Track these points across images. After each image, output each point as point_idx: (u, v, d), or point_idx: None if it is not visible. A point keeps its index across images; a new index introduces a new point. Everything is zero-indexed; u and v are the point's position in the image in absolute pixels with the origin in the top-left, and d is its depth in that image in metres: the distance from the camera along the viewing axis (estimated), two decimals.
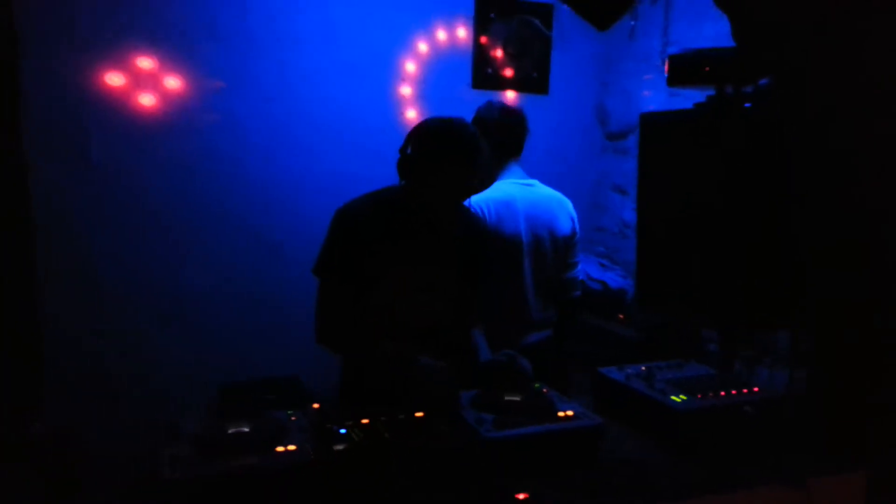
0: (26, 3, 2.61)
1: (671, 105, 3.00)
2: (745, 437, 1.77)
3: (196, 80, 2.95)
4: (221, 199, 3.05)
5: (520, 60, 3.52)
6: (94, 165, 2.82)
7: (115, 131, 2.85)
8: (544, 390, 1.86)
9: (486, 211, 2.37)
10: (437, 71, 3.36)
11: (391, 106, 3.27)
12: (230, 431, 1.50)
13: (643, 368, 2.03)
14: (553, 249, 2.49)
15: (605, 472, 1.64)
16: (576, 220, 2.56)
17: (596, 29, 1.86)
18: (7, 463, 1.37)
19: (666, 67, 1.65)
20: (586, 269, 3.32)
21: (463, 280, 2.13)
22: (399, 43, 3.27)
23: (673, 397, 1.81)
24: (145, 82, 2.88)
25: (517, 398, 1.76)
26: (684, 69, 1.68)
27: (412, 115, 3.28)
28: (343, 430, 1.53)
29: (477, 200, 2.36)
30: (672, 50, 3.14)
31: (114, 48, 2.82)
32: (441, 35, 3.37)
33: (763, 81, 1.58)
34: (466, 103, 2.65)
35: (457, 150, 1.89)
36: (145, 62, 2.87)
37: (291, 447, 1.46)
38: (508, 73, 3.51)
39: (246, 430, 1.51)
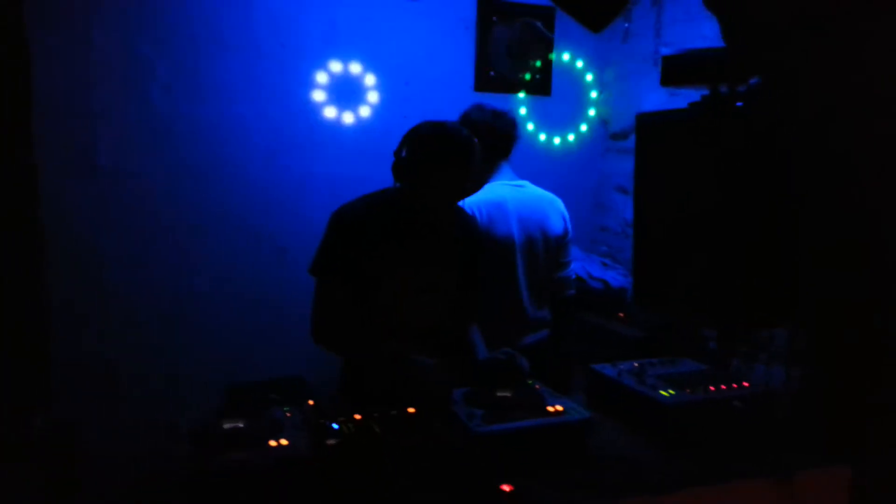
0: (36, 9, 2.66)
1: (671, 105, 3.01)
2: (735, 432, 1.78)
3: (201, 84, 3.00)
4: (225, 201, 3.08)
5: (522, 63, 3.54)
6: (101, 168, 2.88)
7: (122, 135, 2.90)
8: (536, 386, 1.87)
9: (477, 213, 2.38)
10: (439, 74, 3.39)
11: (391, 107, 3.30)
12: (225, 427, 1.54)
13: (635, 365, 2.04)
14: (545, 249, 2.50)
15: (594, 466, 1.65)
16: (567, 219, 2.57)
17: (590, 31, 1.87)
18: (7, 463, 1.40)
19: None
20: (588, 267, 3.33)
21: (460, 280, 2.15)
22: (400, 46, 3.30)
23: (662, 392, 1.82)
24: (152, 87, 2.93)
25: (508, 394, 1.78)
26: (677, 69, 1.70)
27: (413, 117, 3.29)
28: (335, 426, 1.56)
29: (468, 203, 2.36)
30: (665, 51, 3.15)
31: (122, 53, 2.87)
32: (442, 39, 3.39)
33: (753, 80, 1.59)
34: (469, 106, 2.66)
35: (453, 152, 1.93)
36: (153, 67, 2.92)
37: (284, 442, 1.49)
38: (511, 76, 3.53)
39: (241, 425, 1.54)
